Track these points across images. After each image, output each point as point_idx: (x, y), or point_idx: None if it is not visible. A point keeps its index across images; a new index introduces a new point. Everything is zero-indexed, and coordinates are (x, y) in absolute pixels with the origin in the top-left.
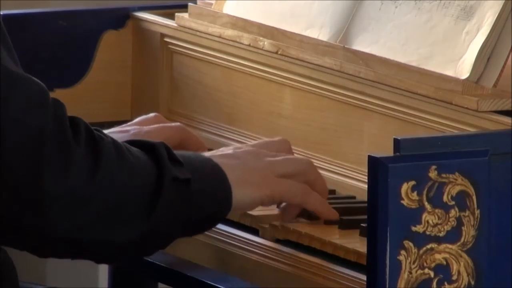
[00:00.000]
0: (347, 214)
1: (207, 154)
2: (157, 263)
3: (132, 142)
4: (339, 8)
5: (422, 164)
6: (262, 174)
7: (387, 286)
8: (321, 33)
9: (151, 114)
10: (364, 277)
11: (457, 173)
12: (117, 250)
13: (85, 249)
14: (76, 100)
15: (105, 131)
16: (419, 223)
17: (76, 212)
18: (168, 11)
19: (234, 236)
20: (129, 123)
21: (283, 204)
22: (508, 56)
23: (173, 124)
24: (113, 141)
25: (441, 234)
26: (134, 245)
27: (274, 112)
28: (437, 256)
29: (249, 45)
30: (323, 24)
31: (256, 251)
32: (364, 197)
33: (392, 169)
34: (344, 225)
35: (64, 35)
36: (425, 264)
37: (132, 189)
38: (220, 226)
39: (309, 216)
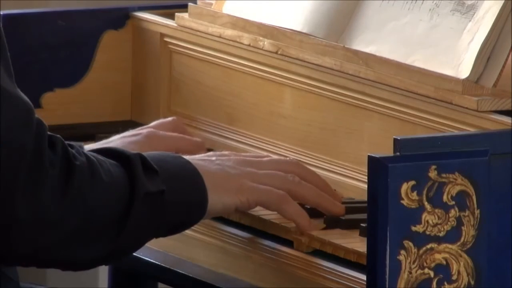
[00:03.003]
0: (347, 214)
1: (187, 157)
2: (157, 263)
3: (108, 152)
4: (339, 8)
5: (422, 164)
6: (238, 180)
7: (387, 286)
8: (321, 33)
9: (169, 118)
10: (364, 277)
11: (457, 173)
12: (83, 266)
13: (50, 265)
14: (76, 100)
15: (119, 136)
16: (419, 223)
17: (42, 235)
18: (168, 11)
19: (234, 236)
20: (145, 126)
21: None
22: (508, 56)
23: (193, 139)
24: (88, 160)
25: (441, 234)
26: (101, 260)
27: (274, 112)
28: (437, 256)
29: (249, 45)
30: (323, 24)
31: (256, 251)
32: (364, 197)
33: (392, 169)
34: (344, 225)
35: (64, 35)
36: (425, 264)
37: (101, 211)
38: (220, 226)
39: (310, 214)
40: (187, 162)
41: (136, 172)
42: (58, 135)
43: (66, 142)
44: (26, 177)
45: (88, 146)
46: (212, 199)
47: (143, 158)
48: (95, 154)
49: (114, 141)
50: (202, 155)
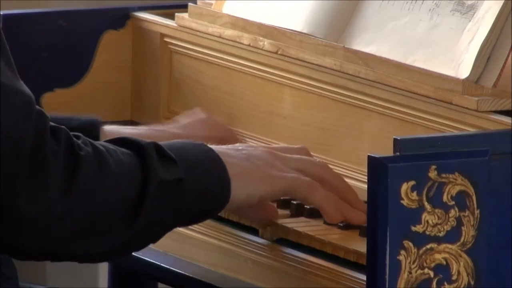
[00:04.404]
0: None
1: (211, 146)
2: (157, 263)
3: (121, 141)
4: (339, 8)
5: (422, 164)
6: (264, 170)
7: (387, 286)
8: (321, 33)
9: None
10: (364, 277)
11: (457, 173)
12: (96, 258)
13: (62, 258)
14: (76, 100)
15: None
16: (419, 223)
17: (49, 229)
18: (168, 11)
19: (234, 236)
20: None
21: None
22: (508, 56)
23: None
24: (94, 150)
25: (441, 234)
26: (114, 252)
27: (274, 112)
28: (437, 256)
29: (249, 45)
30: (323, 24)
31: (256, 251)
32: (364, 197)
33: (392, 169)
34: (344, 225)
35: (64, 35)
36: (425, 264)
37: (111, 202)
38: (220, 226)
39: (311, 214)
40: (210, 149)
41: (150, 160)
42: (63, 126)
43: (72, 133)
44: (28, 170)
45: (109, 128)
46: (236, 188)
47: (158, 147)
48: (105, 144)
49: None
50: (229, 145)
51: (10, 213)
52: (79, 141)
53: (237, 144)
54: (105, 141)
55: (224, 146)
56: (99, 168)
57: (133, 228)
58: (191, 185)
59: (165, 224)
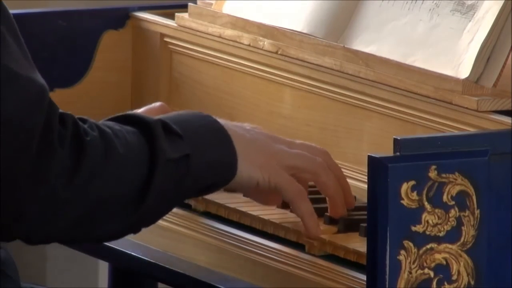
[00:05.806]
0: (347, 214)
1: (220, 119)
2: (157, 263)
3: (126, 119)
4: (339, 8)
5: (422, 164)
6: (267, 157)
7: (387, 286)
8: (321, 33)
9: (157, 104)
10: (364, 277)
11: (457, 173)
12: (106, 239)
13: (70, 242)
14: (76, 100)
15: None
16: (419, 223)
17: (56, 215)
18: (168, 11)
19: (234, 236)
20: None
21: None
22: (508, 56)
23: None
24: (101, 134)
25: (441, 234)
26: (124, 232)
27: (274, 112)
28: (437, 256)
29: (249, 45)
30: (323, 24)
31: (256, 251)
32: (364, 197)
33: (392, 169)
34: (344, 225)
35: (64, 35)
36: (425, 264)
37: (119, 185)
38: (220, 226)
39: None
40: (214, 121)
41: (156, 138)
42: (69, 112)
43: (78, 116)
44: (36, 158)
45: None
46: (241, 165)
47: (164, 123)
48: (111, 124)
49: None
50: (236, 122)
51: (18, 200)
52: (86, 125)
53: (245, 124)
54: (110, 118)
55: (231, 123)
56: (105, 152)
57: (141, 208)
58: (198, 160)
59: (173, 200)
